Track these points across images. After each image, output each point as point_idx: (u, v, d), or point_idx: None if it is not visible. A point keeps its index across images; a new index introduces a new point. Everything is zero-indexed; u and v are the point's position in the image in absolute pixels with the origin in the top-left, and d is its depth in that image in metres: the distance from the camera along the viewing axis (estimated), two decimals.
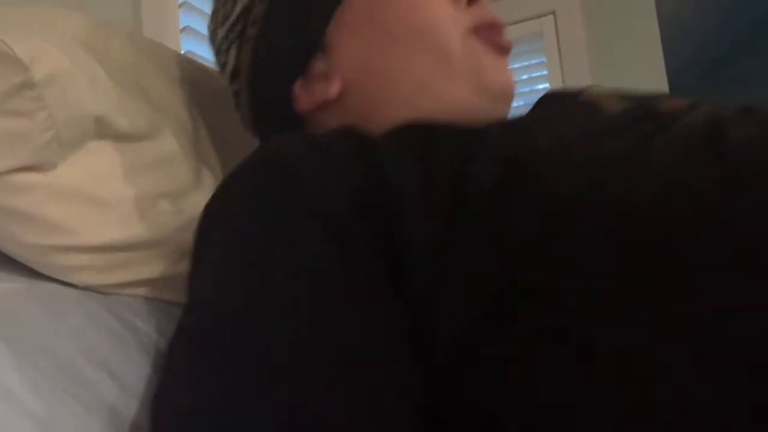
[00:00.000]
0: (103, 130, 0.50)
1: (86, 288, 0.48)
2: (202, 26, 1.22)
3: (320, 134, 0.45)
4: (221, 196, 0.42)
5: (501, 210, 0.36)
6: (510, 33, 2.19)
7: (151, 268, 0.50)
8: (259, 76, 0.59)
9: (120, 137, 0.51)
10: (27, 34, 0.46)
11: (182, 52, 1.15)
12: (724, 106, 0.44)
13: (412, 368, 0.34)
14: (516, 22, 2.34)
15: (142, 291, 0.50)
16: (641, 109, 0.46)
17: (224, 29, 0.61)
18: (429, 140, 0.43)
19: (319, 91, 0.56)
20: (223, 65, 0.62)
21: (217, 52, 0.63)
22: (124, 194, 0.49)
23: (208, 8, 1.24)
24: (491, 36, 0.54)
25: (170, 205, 0.54)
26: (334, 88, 0.55)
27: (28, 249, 0.45)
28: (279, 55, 0.57)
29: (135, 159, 0.52)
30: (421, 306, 0.35)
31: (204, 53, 1.13)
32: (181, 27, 1.15)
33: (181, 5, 1.16)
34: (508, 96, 0.55)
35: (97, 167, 0.49)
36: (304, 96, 0.57)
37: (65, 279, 0.47)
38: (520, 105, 2.37)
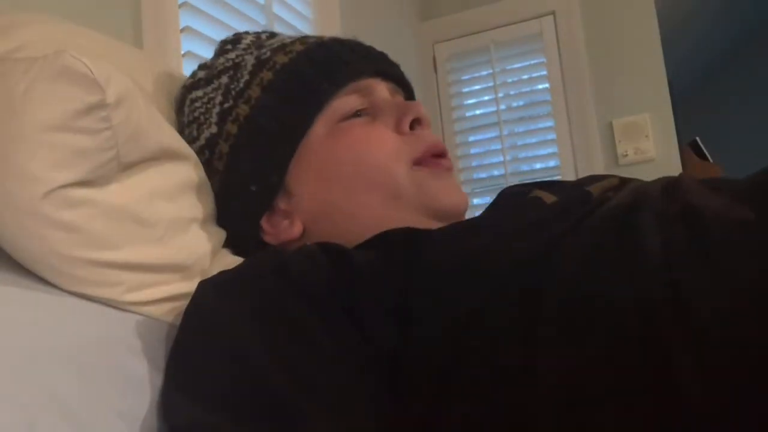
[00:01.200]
0: (158, 151, 0.53)
1: (103, 303, 0.48)
2: (203, 27, 1.23)
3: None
4: (206, 289, 0.46)
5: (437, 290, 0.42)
6: (510, 33, 2.19)
7: (174, 289, 0.51)
8: (228, 208, 0.62)
9: (165, 155, 0.54)
10: (101, 59, 0.48)
11: (182, 52, 1.15)
12: (649, 182, 0.50)
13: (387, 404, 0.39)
14: (516, 23, 2.34)
15: (158, 311, 0.51)
16: (573, 199, 0.52)
17: (194, 147, 0.63)
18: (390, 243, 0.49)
19: (283, 229, 0.61)
20: (191, 141, 0.64)
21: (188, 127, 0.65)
22: (163, 216, 0.51)
23: (208, 9, 1.24)
24: (434, 162, 0.59)
25: (200, 230, 0.56)
26: (296, 229, 0.61)
27: (63, 260, 0.45)
28: (246, 193, 0.60)
29: (175, 180, 0.55)
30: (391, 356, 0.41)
31: (204, 53, 1.14)
32: (181, 27, 1.15)
33: (181, 5, 1.17)
34: (460, 212, 0.60)
35: (143, 187, 0.51)
36: (271, 231, 0.62)
37: (93, 294, 0.47)
38: (520, 105, 2.37)
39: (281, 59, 0.61)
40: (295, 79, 0.60)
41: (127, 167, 0.50)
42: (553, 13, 2.29)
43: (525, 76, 2.36)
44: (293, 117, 0.60)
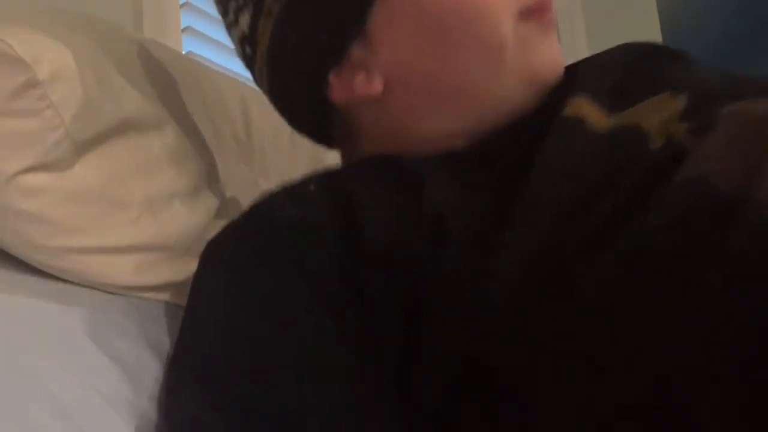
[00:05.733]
0: (117, 123, 0.49)
1: (92, 287, 0.48)
2: (204, 27, 1.22)
3: (305, 189, 0.46)
4: (212, 258, 0.45)
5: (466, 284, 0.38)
6: None
7: (161, 271, 0.51)
8: (282, 59, 0.52)
9: (130, 128, 0.50)
10: (29, 31, 0.45)
11: (183, 52, 1.15)
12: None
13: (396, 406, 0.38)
14: None
15: (147, 293, 0.50)
16: (626, 137, 0.43)
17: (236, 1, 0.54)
18: (410, 198, 0.43)
19: (359, 84, 0.50)
20: (230, 22, 0.55)
21: (219, 2, 0.57)
22: (137, 195, 0.49)
23: (209, 9, 1.24)
24: (541, 16, 0.51)
25: (182, 206, 0.53)
26: (377, 85, 0.50)
27: (39, 251, 0.45)
28: (310, 43, 0.50)
29: (147, 154, 0.52)
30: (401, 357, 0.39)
31: (206, 54, 1.13)
32: (182, 27, 1.15)
33: (182, 5, 1.16)
34: (557, 78, 0.52)
35: (110, 165, 0.49)
36: (340, 86, 0.51)
37: (77, 280, 0.47)
38: None
39: None
40: None
41: (86, 146, 0.47)
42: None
43: None
44: None
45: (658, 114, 0.43)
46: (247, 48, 0.54)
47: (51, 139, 0.44)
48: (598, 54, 0.57)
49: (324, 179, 0.47)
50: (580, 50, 2.25)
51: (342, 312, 0.40)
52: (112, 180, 0.48)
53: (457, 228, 0.40)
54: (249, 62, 0.55)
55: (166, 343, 0.48)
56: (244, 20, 0.53)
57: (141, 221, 0.49)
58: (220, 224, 0.59)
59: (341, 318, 0.40)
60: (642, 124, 0.43)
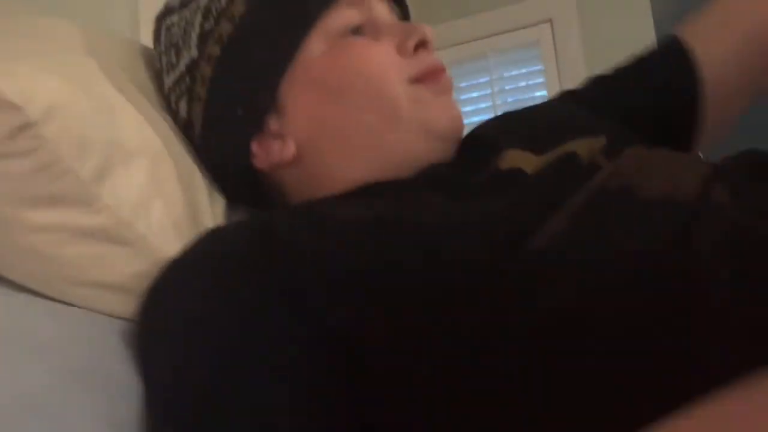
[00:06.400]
0: (118, 151, 0.49)
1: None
2: None
3: (238, 232, 0.47)
4: (166, 285, 0.45)
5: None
6: (507, 41, 2.19)
7: None
8: (213, 135, 0.59)
9: (130, 156, 0.50)
10: (17, 63, 0.45)
11: None
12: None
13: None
14: (513, 30, 2.35)
15: None
16: (565, 159, 0.50)
17: (170, 79, 0.60)
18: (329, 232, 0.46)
19: (275, 151, 0.57)
20: (174, 114, 0.62)
21: (167, 98, 0.62)
22: (140, 228, 0.49)
23: None
24: (434, 81, 0.57)
25: (185, 231, 0.53)
26: (289, 150, 0.57)
27: (49, 287, 0.46)
28: (232, 117, 0.57)
29: (150, 183, 0.51)
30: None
31: None
32: None
33: None
34: (457, 133, 0.58)
35: (114, 199, 0.48)
36: (262, 154, 0.58)
37: (86, 307, 0.47)
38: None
39: None
40: None
41: (92, 178, 0.46)
42: (550, 20, 2.30)
43: (522, 84, 2.37)
44: (284, 32, 0.56)
45: (587, 147, 0.51)
46: (188, 132, 0.61)
47: (50, 175, 0.44)
48: (508, 112, 0.67)
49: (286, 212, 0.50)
50: (577, 58, 2.26)
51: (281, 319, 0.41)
52: (115, 217, 0.48)
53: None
54: (193, 146, 0.61)
55: None
56: (183, 108, 0.60)
57: (144, 256, 0.49)
58: None
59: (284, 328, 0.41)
60: (576, 150, 0.51)
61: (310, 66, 0.56)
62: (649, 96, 0.64)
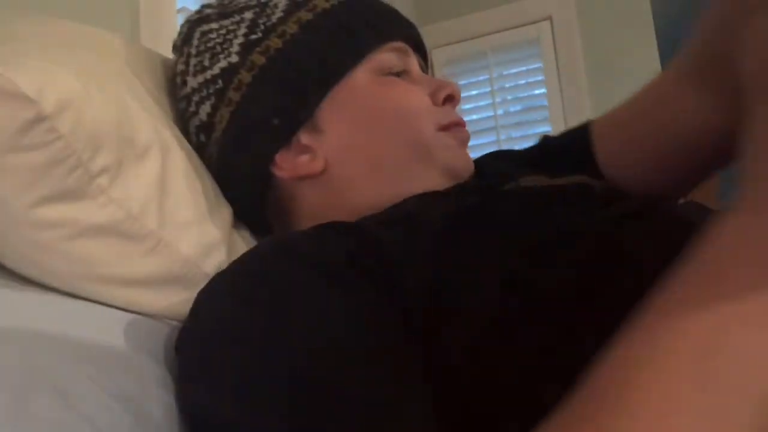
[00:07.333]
0: (130, 148, 0.49)
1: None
2: None
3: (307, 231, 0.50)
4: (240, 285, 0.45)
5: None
6: (507, 38, 2.20)
7: (182, 295, 0.51)
8: (235, 140, 0.61)
9: (143, 151, 0.51)
10: (30, 58, 0.45)
11: None
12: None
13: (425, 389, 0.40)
14: (513, 28, 2.35)
15: (171, 315, 0.51)
16: (581, 185, 0.56)
17: (197, 80, 0.62)
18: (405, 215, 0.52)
19: (303, 164, 0.60)
20: (190, 114, 0.63)
21: (183, 98, 0.64)
22: (152, 224, 0.49)
23: None
24: (456, 132, 0.63)
25: (199, 227, 0.54)
26: (318, 166, 0.60)
27: (61, 282, 0.46)
28: (264, 126, 0.59)
29: (161, 179, 0.52)
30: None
31: None
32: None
33: (179, 11, 1.17)
34: (469, 176, 0.64)
35: (125, 194, 0.48)
36: (286, 165, 0.60)
37: (97, 302, 0.47)
38: (517, 110, 2.38)
39: (321, 4, 0.62)
40: (338, 24, 0.61)
41: (101, 173, 0.47)
42: (550, 18, 2.30)
43: (522, 81, 2.37)
44: (335, 58, 0.60)
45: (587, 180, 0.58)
46: (202, 135, 0.62)
47: (62, 170, 0.44)
48: (500, 150, 0.77)
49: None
50: (577, 55, 2.26)
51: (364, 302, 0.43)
52: (127, 212, 0.48)
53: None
54: (199, 147, 0.63)
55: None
56: (204, 110, 0.61)
57: (158, 250, 0.49)
58: (238, 235, 0.61)
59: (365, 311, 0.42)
60: (585, 181, 0.57)
61: (354, 92, 0.60)
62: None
